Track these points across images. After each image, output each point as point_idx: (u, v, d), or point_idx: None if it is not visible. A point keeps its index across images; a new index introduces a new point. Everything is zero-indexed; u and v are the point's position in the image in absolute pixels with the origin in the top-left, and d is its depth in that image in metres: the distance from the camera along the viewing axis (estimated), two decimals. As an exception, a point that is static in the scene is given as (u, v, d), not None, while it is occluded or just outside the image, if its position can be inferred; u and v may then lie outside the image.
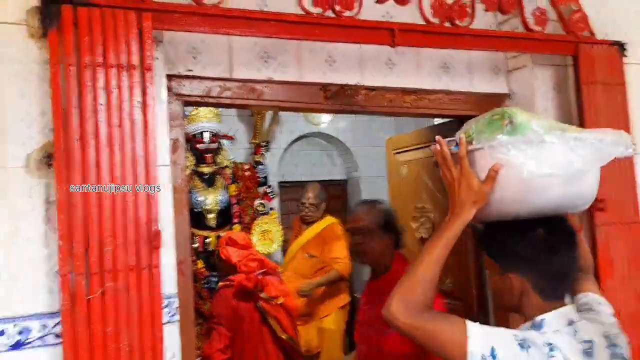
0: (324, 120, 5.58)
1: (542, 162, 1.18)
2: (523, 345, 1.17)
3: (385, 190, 3.48)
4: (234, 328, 2.78)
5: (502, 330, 1.22)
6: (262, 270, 2.77)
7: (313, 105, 2.20)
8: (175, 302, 1.77)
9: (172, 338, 1.74)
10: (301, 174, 5.61)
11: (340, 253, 4.02)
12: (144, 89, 1.65)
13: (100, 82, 1.59)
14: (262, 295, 2.70)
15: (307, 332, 3.90)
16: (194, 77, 2.00)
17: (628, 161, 2.23)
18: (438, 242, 1.25)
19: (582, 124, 2.20)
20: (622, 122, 2.24)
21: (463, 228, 1.25)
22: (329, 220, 4.26)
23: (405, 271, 1.31)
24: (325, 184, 4.80)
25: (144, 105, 1.65)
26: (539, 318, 1.25)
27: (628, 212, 2.20)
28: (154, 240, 1.60)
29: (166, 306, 1.73)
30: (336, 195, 5.78)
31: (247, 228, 4.50)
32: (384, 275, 2.03)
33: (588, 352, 1.24)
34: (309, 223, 4.29)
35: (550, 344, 1.19)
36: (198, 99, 2.02)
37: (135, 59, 1.64)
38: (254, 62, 2.07)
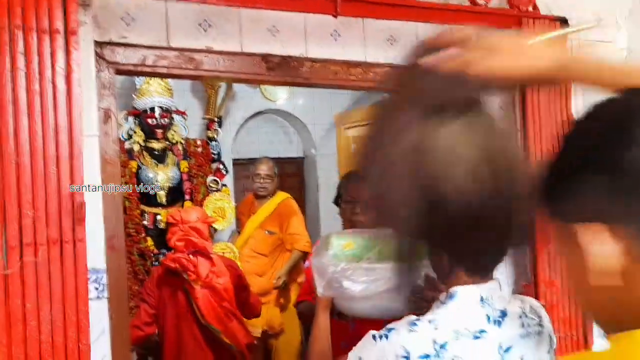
0: (281, 97, 5.50)
1: (354, 283, 1.44)
2: (376, 336, 1.20)
3: (339, 167, 3.46)
4: (159, 307, 2.72)
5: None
6: (193, 250, 2.68)
7: (255, 77, 2.15)
8: (104, 278, 1.71)
9: (100, 315, 1.69)
10: (256, 151, 5.54)
11: (298, 229, 4.02)
12: (67, 54, 1.57)
13: (20, 46, 1.50)
14: (185, 277, 2.62)
15: (268, 310, 3.88)
16: (128, 45, 1.90)
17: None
18: (317, 335, 1.45)
19: (523, 100, 2.22)
20: (562, 98, 2.27)
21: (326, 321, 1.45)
22: (283, 195, 4.23)
23: None
24: (281, 162, 4.75)
25: (68, 72, 1.56)
26: (452, 290, 1.25)
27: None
28: (77, 213, 1.53)
29: (94, 281, 1.67)
30: (293, 173, 5.75)
31: (199, 205, 4.43)
32: None
33: (497, 321, 1.25)
34: (263, 197, 4.24)
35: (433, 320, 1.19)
36: (132, 68, 1.94)
37: (58, 23, 1.55)
38: (193, 30, 2.00)
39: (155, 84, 4.34)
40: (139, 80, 4.37)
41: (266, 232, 4.13)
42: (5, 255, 1.45)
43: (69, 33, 1.57)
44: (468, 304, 1.23)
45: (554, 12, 2.35)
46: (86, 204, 1.56)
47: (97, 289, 1.69)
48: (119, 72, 1.92)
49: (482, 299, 1.26)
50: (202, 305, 2.64)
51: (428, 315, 1.23)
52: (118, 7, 1.87)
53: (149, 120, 4.30)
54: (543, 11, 2.30)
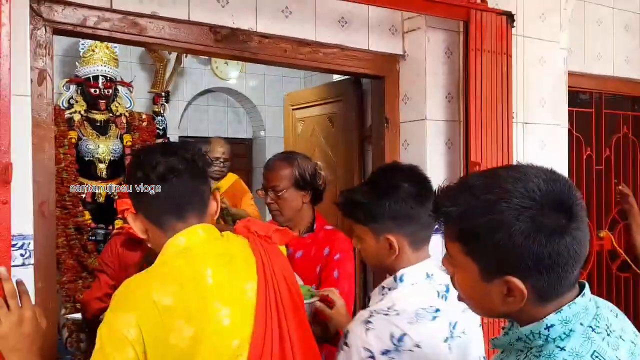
0: (232, 76, 5.42)
1: None
2: (341, 346, 1.25)
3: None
4: (118, 277, 2.66)
5: None
6: None
7: (202, 47, 2.09)
8: (31, 245, 1.64)
9: (26, 282, 1.60)
10: (204, 129, 5.44)
11: (249, 205, 3.98)
12: (-2, 6, 1.47)
13: (-56, -7, 1.40)
14: (149, 245, 2.57)
15: None
16: (67, 3, 1.82)
17: (506, 127, 2.33)
18: None
19: (467, 89, 2.27)
20: (504, 91, 2.33)
21: None
22: (233, 176, 4.17)
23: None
24: (230, 142, 4.68)
25: (-3, 25, 1.47)
26: (399, 273, 1.29)
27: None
28: (2, 173, 1.45)
29: (20, 247, 1.60)
30: (241, 154, 5.69)
31: (142, 181, 4.31)
32: (308, 235, 2.00)
33: (444, 296, 1.29)
34: (216, 179, 4.15)
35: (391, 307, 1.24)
36: (71, 28, 1.85)
37: (-11, -28, 1.45)
38: (138, -7, 1.93)
39: (100, 52, 4.18)
40: (83, 47, 4.20)
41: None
42: None
43: (1, -16, 1.47)
44: (418, 283, 1.28)
45: (501, 6, 2.40)
46: (13, 165, 1.48)
47: (22, 255, 1.62)
48: (56, 31, 1.83)
49: (427, 275, 1.31)
50: None
51: (382, 304, 1.25)
52: (58, -37, 1.78)
53: (92, 90, 4.14)
54: (491, 4, 2.35)
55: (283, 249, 1.42)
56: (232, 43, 2.12)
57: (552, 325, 0.83)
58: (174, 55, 4.71)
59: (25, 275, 1.62)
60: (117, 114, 4.33)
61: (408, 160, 2.46)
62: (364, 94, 2.68)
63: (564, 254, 0.81)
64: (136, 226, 1.29)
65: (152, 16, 1.95)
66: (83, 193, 4.10)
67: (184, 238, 1.21)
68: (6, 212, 1.48)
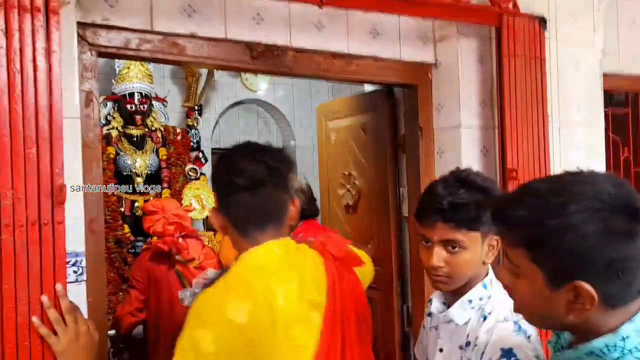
0: (262, 87, 5.50)
1: None
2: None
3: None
4: (147, 291, 2.73)
5: None
6: (182, 234, 2.71)
7: (239, 65, 2.15)
8: (83, 261, 1.71)
9: (78, 298, 1.67)
10: (235, 140, 5.45)
11: None
12: (48, 34, 1.54)
13: (0, 24, 1.48)
14: (178, 258, 2.64)
15: None
16: (111, 27, 1.89)
17: (542, 132, 2.31)
18: None
19: (501, 95, 2.26)
20: (539, 96, 2.32)
21: None
22: None
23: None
24: (260, 152, 4.73)
25: (49, 51, 1.54)
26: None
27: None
28: (58, 194, 1.52)
29: (73, 265, 1.66)
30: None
31: (177, 193, 4.41)
32: None
33: None
34: None
35: None
36: (115, 51, 1.92)
37: (39, 1, 1.53)
38: (177, 15, 1.99)
39: (135, 69, 4.30)
40: (118, 65, 4.32)
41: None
42: (-18, 236, 1.44)
43: (50, 12, 1.54)
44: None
45: (533, 10, 2.40)
46: (66, 186, 1.55)
47: (75, 272, 1.68)
48: (101, 54, 1.90)
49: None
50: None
51: (500, 311, 1.22)
52: (101, -11, 1.85)
53: (128, 106, 4.27)
54: (523, 9, 2.35)
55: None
56: (267, 59, 2.17)
57: (627, 337, 0.80)
58: (205, 70, 4.80)
59: (79, 291, 1.69)
60: (153, 128, 4.44)
61: (444, 168, 2.47)
62: (396, 103, 2.70)
63: (635, 258, 0.79)
64: (215, 222, 1.31)
65: (191, 36, 2.01)
66: (122, 207, 4.21)
67: (260, 254, 1.24)
68: (61, 232, 1.55)
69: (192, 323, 1.15)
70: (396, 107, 2.70)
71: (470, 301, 1.25)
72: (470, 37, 2.40)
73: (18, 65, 1.49)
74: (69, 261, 1.62)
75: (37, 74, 1.52)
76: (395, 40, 2.41)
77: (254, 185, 1.23)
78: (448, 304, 1.33)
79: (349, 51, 2.32)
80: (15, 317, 1.47)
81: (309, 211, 2.29)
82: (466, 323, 1.25)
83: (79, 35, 1.80)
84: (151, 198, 4.28)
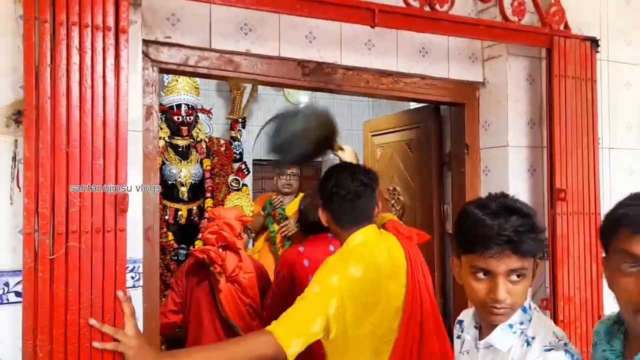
0: (303, 101, 5.58)
1: None
2: None
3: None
4: (184, 295, 2.80)
5: None
6: (223, 244, 2.75)
7: (290, 81, 2.21)
8: (140, 268, 1.78)
9: (135, 303, 1.74)
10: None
11: None
12: (117, 51, 1.63)
13: (75, 42, 1.57)
14: (211, 269, 2.69)
15: None
16: (172, 45, 1.98)
17: (591, 153, 2.29)
18: None
19: (550, 116, 2.26)
20: (589, 116, 2.30)
21: None
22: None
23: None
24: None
25: (117, 68, 1.63)
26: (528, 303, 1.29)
27: (588, 203, 2.28)
28: (121, 203, 1.60)
29: (131, 270, 1.73)
30: (311, 177, 5.80)
31: (220, 203, 4.50)
32: None
33: None
34: (287, 195, 4.27)
35: None
36: (174, 67, 2.01)
37: (110, 21, 1.62)
38: (234, 33, 2.07)
39: (183, 82, 4.42)
40: (167, 77, 4.46)
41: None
42: (52, 241, 1.52)
43: (120, 31, 1.63)
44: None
45: (584, 31, 2.39)
46: (129, 195, 1.62)
47: (133, 277, 1.76)
48: (162, 70, 2.00)
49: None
50: (224, 299, 2.69)
51: (547, 335, 1.23)
52: (165, 8, 1.94)
53: (175, 117, 4.39)
54: (574, 30, 2.34)
55: None
56: (318, 76, 2.22)
57: None
58: (250, 84, 4.91)
59: (135, 296, 1.76)
60: (198, 139, 4.55)
61: (489, 187, 2.47)
62: (442, 121, 2.71)
63: None
64: (322, 217, 1.86)
65: (246, 54, 2.08)
66: (166, 215, 4.33)
67: (361, 235, 1.79)
68: (123, 239, 1.62)
69: (324, 271, 1.68)
70: (442, 124, 2.71)
71: (510, 326, 1.22)
72: (519, 57, 2.40)
73: (89, 81, 1.58)
74: (128, 267, 1.70)
75: (106, 89, 1.60)
76: (443, 59, 2.44)
77: (354, 197, 1.78)
78: (480, 327, 1.31)
79: (397, 69, 2.35)
80: (78, 319, 1.55)
81: (303, 228, 2.64)
82: (509, 349, 1.22)
83: (142, 52, 1.89)
84: (194, 207, 4.39)
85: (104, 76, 1.61)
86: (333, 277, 1.63)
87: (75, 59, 1.57)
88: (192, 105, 4.44)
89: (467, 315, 1.38)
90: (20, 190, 1.57)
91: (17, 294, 1.57)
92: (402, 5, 2.05)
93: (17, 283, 1.57)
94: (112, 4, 1.62)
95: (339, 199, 1.78)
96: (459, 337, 1.41)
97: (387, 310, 1.72)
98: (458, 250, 1.25)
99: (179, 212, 4.36)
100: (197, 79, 4.48)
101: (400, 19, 2.05)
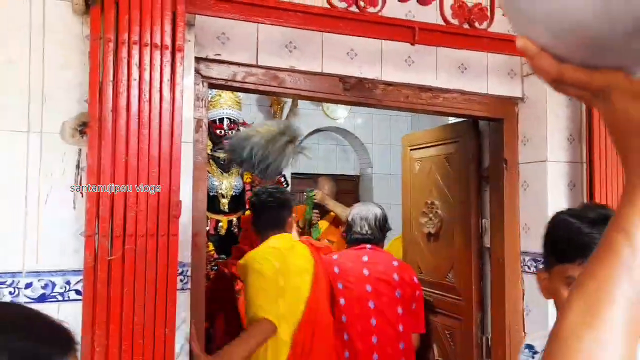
0: (341, 115, 5.67)
1: None
2: None
3: (396, 187, 3.56)
4: (210, 307, 2.88)
5: None
6: None
7: (332, 96, 2.29)
8: (189, 272, 1.88)
9: (183, 305, 1.84)
10: (315, 166, 5.70)
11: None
12: (173, 68, 1.75)
13: (135, 59, 1.70)
14: (235, 283, 2.79)
15: None
16: (221, 61, 2.09)
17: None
18: None
19: (590, 131, 2.27)
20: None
21: None
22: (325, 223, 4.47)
23: None
24: (338, 179, 4.88)
25: (173, 84, 1.75)
26: None
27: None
28: (174, 209, 1.70)
29: (180, 274, 1.83)
30: (348, 190, 5.87)
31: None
32: None
33: None
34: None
35: None
36: (223, 82, 2.12)
37: (167, 40, 1.74)
38: (279, 50, 2.17)
39: (226, 96, 4.57)
40: (211, 92, 4.62)
41: (326, 241, 4.27)
42: (110, 244, 1.63)
43: (176, 49, 1.75)
44: None
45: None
46: (181, 202, 1.73)
47: (182, 280, 1.85)
48: (211, 85, 2.11)
49: None
50: (243, 313, 2.76)
51: None
52: (215, 27, 2.06)
53: (218, 131, 4.52)
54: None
55: None
56: (358, 91, 2.30)
57: None
58: (290, 99, 5.03)
59: (183, 299, 1.86)
60: (239, 152, 4.69)
61: (528, 202, 2.48)
62: (480, 135, 2.75)
63: None
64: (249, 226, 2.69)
65: (290, 70, 2.18)
66: (207, 225, 4.46)
67: (276, 240, 2.39)
68: (175, 243, 1.72)
69: (252, 265, 2.26)
70: (481, 139, 2.75)
71: None
72: (558, 73, 2.42)
73: (147, 95, 1.70)
74: (178, 270, 1.79)
75: (162, 103, 1.72)
76: (482, 74, 2.49)
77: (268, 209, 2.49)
78: None
79: (436, 84, 2.41)
80: (132, 317, 1.65)
81: (347, 238, 2.80)
82: None
83: (194, 68, 2.01)
84: (234, 219, 4.51)
85: (160, 91, 1.72)
86: (267, 264, 2.24)
87: (135, 75, 1.69)
88: (234, 119, 4.58)
89: (539, 339, 1.29)
90: (82, 196, 1.70)
91: (77, 292, 1.69)
92: (442, 23, 2.11)
93: (78, 282, 1.69)
94: (169, 24, 1.74)
95: (257, 208, 2.51)
96: None
97: (294, 296, 2.28)
98: (549, 261, 1.19)
99: (220, 223, 4.48)
100: (239, 94, 4.63)
101: (440, 37, 2.12)
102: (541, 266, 1.25)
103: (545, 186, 2.40)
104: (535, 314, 2.42)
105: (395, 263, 2.63)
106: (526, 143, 2.52)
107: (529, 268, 2.46)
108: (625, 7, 0.42)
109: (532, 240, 2.44)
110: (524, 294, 2.48)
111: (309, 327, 2.27)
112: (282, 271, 2.25)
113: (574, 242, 1.13)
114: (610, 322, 0.46)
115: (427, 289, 2.89)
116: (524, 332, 2.47)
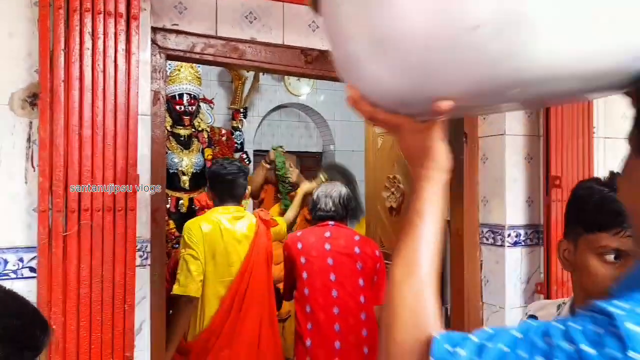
0: (304, 92, 5.63)
1: None
2: None
3: (359, 164, 3.56)
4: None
5: None
6: None
7: (293, 69, 2.27)
8: (148, 247, 1.84)
9: (143, 281, 1.81)
10: (277, 143, 5.66)
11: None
12: (129, 37, 1.69)
13: (88, 27, 1.63)
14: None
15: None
16: (179, 32, 2.03)
17: (586, 142, 2.36)
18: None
19: (547, 108, 2.32)
20: (585, 106, 2.37)
21: None
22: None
23: None
24: (300, 155, 4.87)
25: (128, 54, 1.69)
26: None
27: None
28: (132, 183, 1.66)
29: (139, 249, 1.80)
30: (310, 167, 5.87)
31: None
32: None
33: None
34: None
35: None
36: (181, 54, 2.06)
37: (122, 7, 1.68)
38: (239, 21, 2.12)
39: (185, 71, 4.47)
40: (170, 67, 4.51)
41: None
42: (65, 219, 1.58)
43: (131, 18, 1.69)
44: None
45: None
46: (139, 176, 1.69)
47: (141, 256, 1.82)
48: (169, 57, 2.05)
49: None
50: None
51: None
52: (172, -4, 2.00)
53: (177, 107, 4.43)
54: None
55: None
56: (320, 64, 2.28)
57: None
58: (252, 73, 4.96)
59: (143, 274, 1.83)
60: (199, 129, 4.60)
61: (487, 175, 2.53)
62: (441, 110, 2.77)
63: None
64: (209, 196, 2.87)
65: (251, 41, 2.14)
66: (168, 203, 4.39)
67: (221, 209, 2.59)
68: (133, 218, 1.69)
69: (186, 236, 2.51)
70: (441, 113, 2.77)
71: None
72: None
73: (101, 66, 1.64)
74: (137, 246, 1.76)
75: (117, 73, 1.66)
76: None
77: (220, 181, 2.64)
78: None
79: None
80: (90, 294, 1.62)
81: (312, 216, 2.82)
82: None
83: (150, 38, 1.95)
84: (195, 196, 4.45)
85: (115, 61, 1.67)
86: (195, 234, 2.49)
87: (88, 44, 1.63)
88: (194, 95, 4.48)
89: (546, 308, 1.25)
90: (34, 170, 1.63)
91: (32, 269, 1.63)
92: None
93: (32, 259, 1.63)
94: (123, -9, 1.67)
95: (218, 180, 2.64)
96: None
97: (229, 259, 2.50)
98: (575, 232, 1.11)
99: (180, 201, 4.41)
100: (199, 69, 4.53)
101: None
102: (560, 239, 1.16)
103: (503, 159, 2.44)
104: (493, 284, 2.48)
105: (357, 237, 2.66)
106: (485, 117, 2.56)
107: (487, 240, 2.51)
108: (421, 88, 0.66)
109: (490, 212, 2.50)
110: (482, 266, 2.54)
111: (241, 287, 2.50)
112: (214, 238, 2.49)
113: (606, 209, 1.05)
114: (419, 276, 0.70)
115: (390, 262, 2.92)
116: (482, 302, 2.53)
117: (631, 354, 0.51)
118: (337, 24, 0.72)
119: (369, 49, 0.67)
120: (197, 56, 2.09)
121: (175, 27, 2.01)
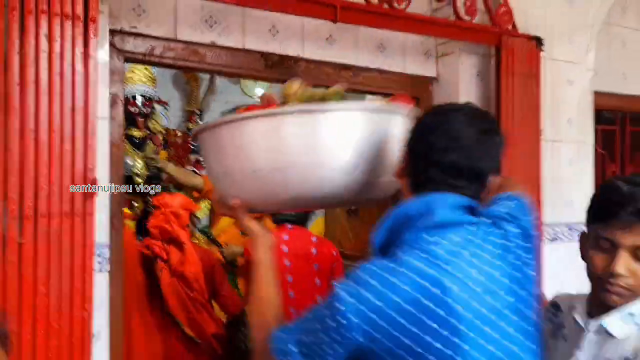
0: (259, 93, 5.62)
1: None
2: None
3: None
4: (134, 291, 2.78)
5: None
6: (167, 238, 2.75)
7: (253, 73, 2.27)
8: (107, 253, 1.81)
9: (102, 288, 1.78)
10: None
11: None
12: (86, 40, 1.66)
13: (44, 30, 1.59)
14: (156, 265, 2.70)
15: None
16: (137, 35, 2.01)
17: (535, 145, 2.46)
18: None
19: (498, 111, 2.41)
20: (533, 111, 2.47)
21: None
22: None
23: None
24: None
25: (86, 56, 1.66)
26: None
27: (530, 191, 2.44)
28: (90, 188, 1.63)
29: (97, 255, 1.76)
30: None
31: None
32: None
33: None
34: None
35: None
36: (140, 57, 2.04)
37: (79, 10, 1.65)
38: (199, 25, 2.11)
39: (139, 72, 4.38)
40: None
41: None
42: (20, 225, 1.54)
43: (89, 20, 1.66)
44: None
45: (530, 31, 2.55)
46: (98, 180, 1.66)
47: (99, 263, 1.79)
48: (127, 60, 2.02)
49: None
50: (168, 294, 2.68)
51: None
52: (130, -2, 1.97)
53: (131, 108, 4.34)
54: (521, 30, 2.50)
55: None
56: (280, 68, 2.29)
57: None
58: (207, 75, 4.91)
59: (102, 281, 1.80)
60: (154, 131, 4.53)
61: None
62: (398, 114, 2.83)
63: None
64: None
65: (211, 45, 2.13)
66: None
67: None
68: (90, 224, 1.66)
69: None
70: (398, 117, 2.83)
71: (632, 315, 1.08)
72: (471, 54, 2.54)
73: (58, 68, 1.61)
74: (95, 252, 1.73)
75: (75, 76, 1.63)
76: (400, 54, 2.55)
77: None
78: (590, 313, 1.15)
79: (357, 63, 2.45)
80: (47, 302, 1.58)
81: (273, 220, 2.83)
82: (624, 338, 1.08)
83: (109, 41, 1.92)
84: (149, 199, 4.37)
85: (72, 64, 1.64)
86: None
87: (44, 46, 1.59)
88: (148, 97, 4.41)
89: (564, 301, 1.23)
90: (-13, 176, 1.58)
91: (-15, 278, 1.58)
92: (363, 2, 2.14)
93: (-15, 267, 1.58)
94: (80, -7, 1.64)
95: None
96: (551, 320, 1.23)
97: None
98: (588, 222, 1.14)
99: (134, 204, 4.33)
100: (153, 70, 4.46)
101: (361, 16, 2.15)
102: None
103: (458, 162, 2.51)
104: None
105: (314, 239, 2.70)
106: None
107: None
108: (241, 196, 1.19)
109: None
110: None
111: None
112: None
113: (606, 199, 1.09)
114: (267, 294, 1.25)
115: (349, 263, 2.96)
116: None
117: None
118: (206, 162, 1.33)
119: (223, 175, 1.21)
120: (157, 59, 2.06)
121: (133, 30, 1.99)
